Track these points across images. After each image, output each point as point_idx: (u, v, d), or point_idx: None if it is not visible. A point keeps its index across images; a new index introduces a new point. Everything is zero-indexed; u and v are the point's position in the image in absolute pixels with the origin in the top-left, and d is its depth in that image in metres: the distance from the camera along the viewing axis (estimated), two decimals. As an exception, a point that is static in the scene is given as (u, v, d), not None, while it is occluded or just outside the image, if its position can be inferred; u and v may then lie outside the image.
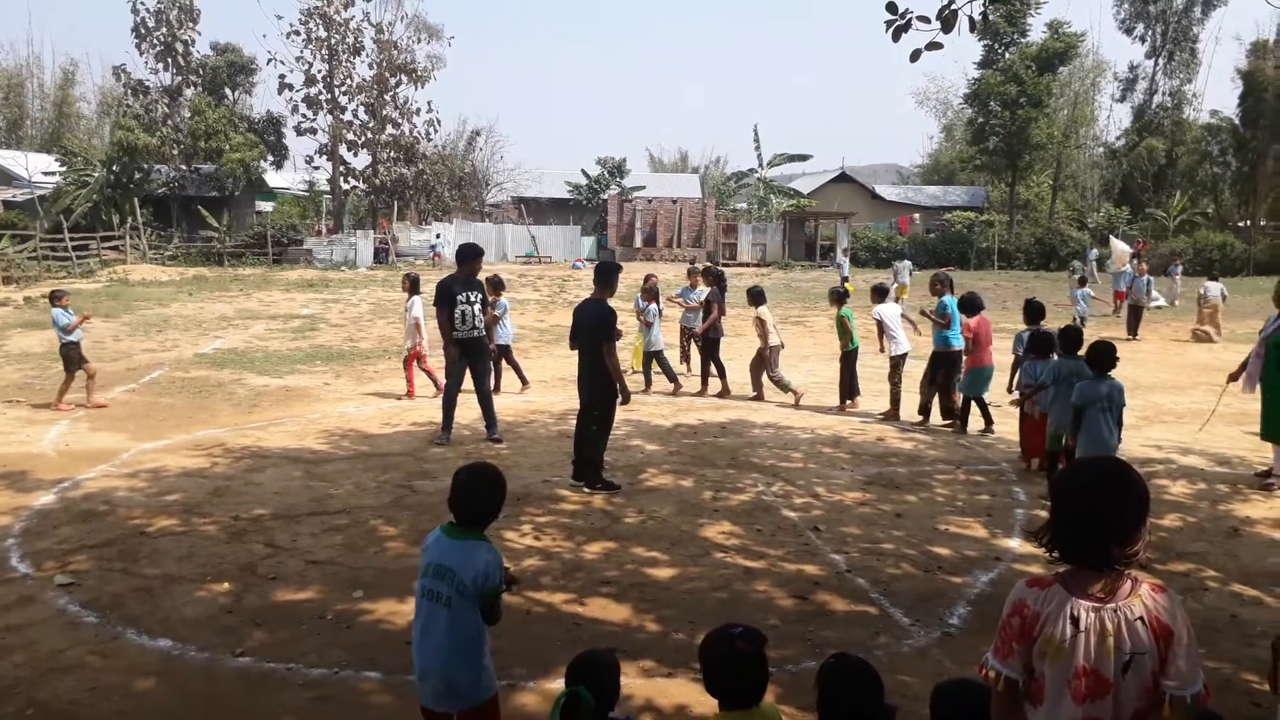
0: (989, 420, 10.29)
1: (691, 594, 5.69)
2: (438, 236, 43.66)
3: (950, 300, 10.61)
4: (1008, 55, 45.02)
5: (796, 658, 4.83)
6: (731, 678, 2.78)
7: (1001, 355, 12.00)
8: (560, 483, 8.12)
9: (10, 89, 56.40)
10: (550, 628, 5.19)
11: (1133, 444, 9.00)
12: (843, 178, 57.17)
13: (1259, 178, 47.52)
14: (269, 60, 44.96)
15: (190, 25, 43.00)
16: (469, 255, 9.82)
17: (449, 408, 9.72)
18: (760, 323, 12.04)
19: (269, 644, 4.98)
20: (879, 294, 11.92)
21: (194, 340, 17.49)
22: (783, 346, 12.52)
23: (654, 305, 12.93)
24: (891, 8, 5.87)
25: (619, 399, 8.14)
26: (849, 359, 11.66)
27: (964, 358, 10.32)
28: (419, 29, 47.15)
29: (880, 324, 11.24)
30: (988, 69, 45.27)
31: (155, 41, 42.42)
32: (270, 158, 47.62)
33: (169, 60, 43.01)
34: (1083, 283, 21.55)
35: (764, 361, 12.12)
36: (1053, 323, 10.37)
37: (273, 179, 49.43)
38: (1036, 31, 45.52)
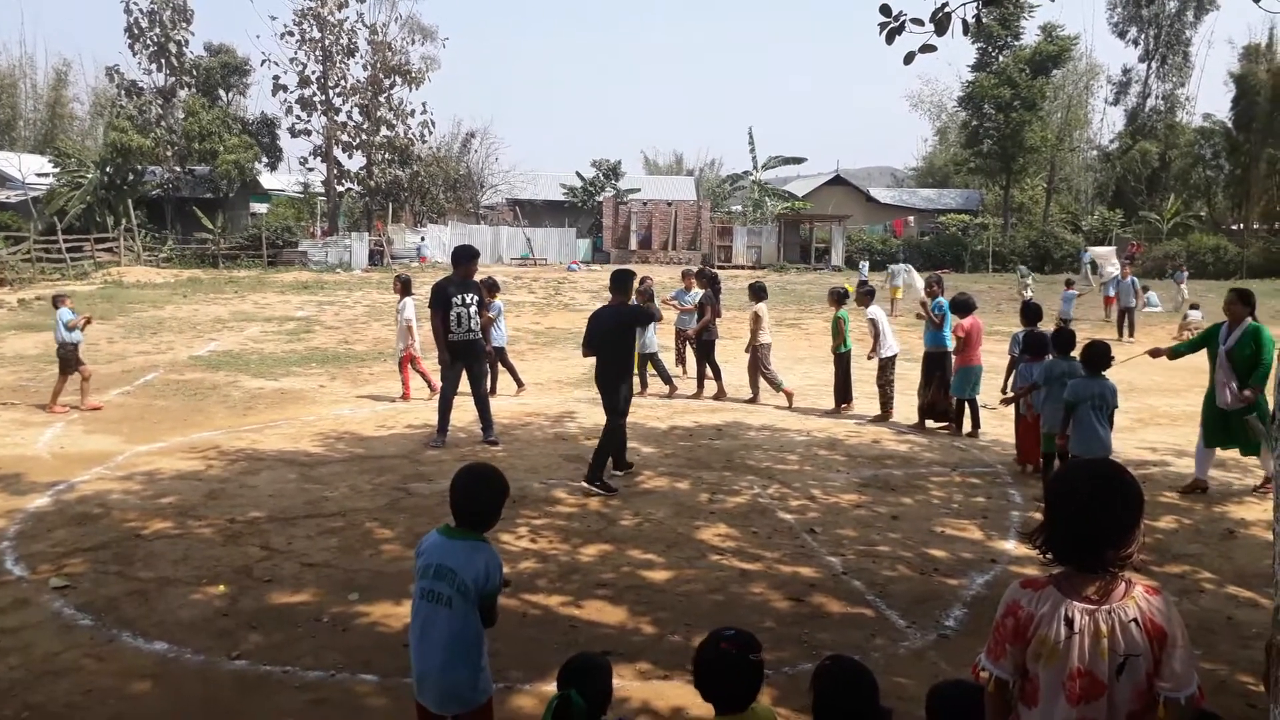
0: (976, 423, 10.31)
1: (687, 596, 5.69)
2: (422, 239, 43.66)
3: (944, 301, 10.64)
4: (1001, 58, 45.19)
5: (792, 660, 4.83)
6: (717, 679, 2.78)
7: (997, 358, 12.03)
8: (557, 485, 8.11)
9: (3, 90, 56.31)
10: (546, 630, 5.19)
11: (1127, 446, 9.02)
12: (837, 180, 57.26)
13: (1252, 181, 47.72)
14: (263, 61, 45.10)
15: (183, 26, 42.92)
16: (465, 257, 9.79)
17: (444, 410, 9.70)
18: (756, 318, 12.06)
19: (265, 647, 4.97)
20: (868, 296, 11.95)
21: (189, 343, 17.45)
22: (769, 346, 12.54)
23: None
24: (885, 10, 5.88)
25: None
26: (842, 361, 11.68)
27: (953, 358, 10.35)
28: (413, 30, 47.21)
29: (875, 325, 11.26)
30: (981, 72, 45.44)
31: (149, 42, 42.34)
32: (265, 159, 47.57)
33: (162, 61, 42.92)
34: (1069, 284, 21.60)
35: (758, 360, 12.14)
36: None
37: (267, 181, 49.36)
38: (1030, 35, 45.78)
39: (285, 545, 6.53)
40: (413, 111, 45.94)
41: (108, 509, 7.32)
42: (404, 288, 12.40)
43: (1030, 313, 9.65)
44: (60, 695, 4.43)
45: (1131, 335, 19.71)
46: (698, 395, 12.59)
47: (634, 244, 47.37)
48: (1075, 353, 7.85)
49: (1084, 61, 54.06)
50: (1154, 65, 54.19)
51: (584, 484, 7.96)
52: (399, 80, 45.45)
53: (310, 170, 46.49)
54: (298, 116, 44.11)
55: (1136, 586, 2.35)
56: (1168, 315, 24.05)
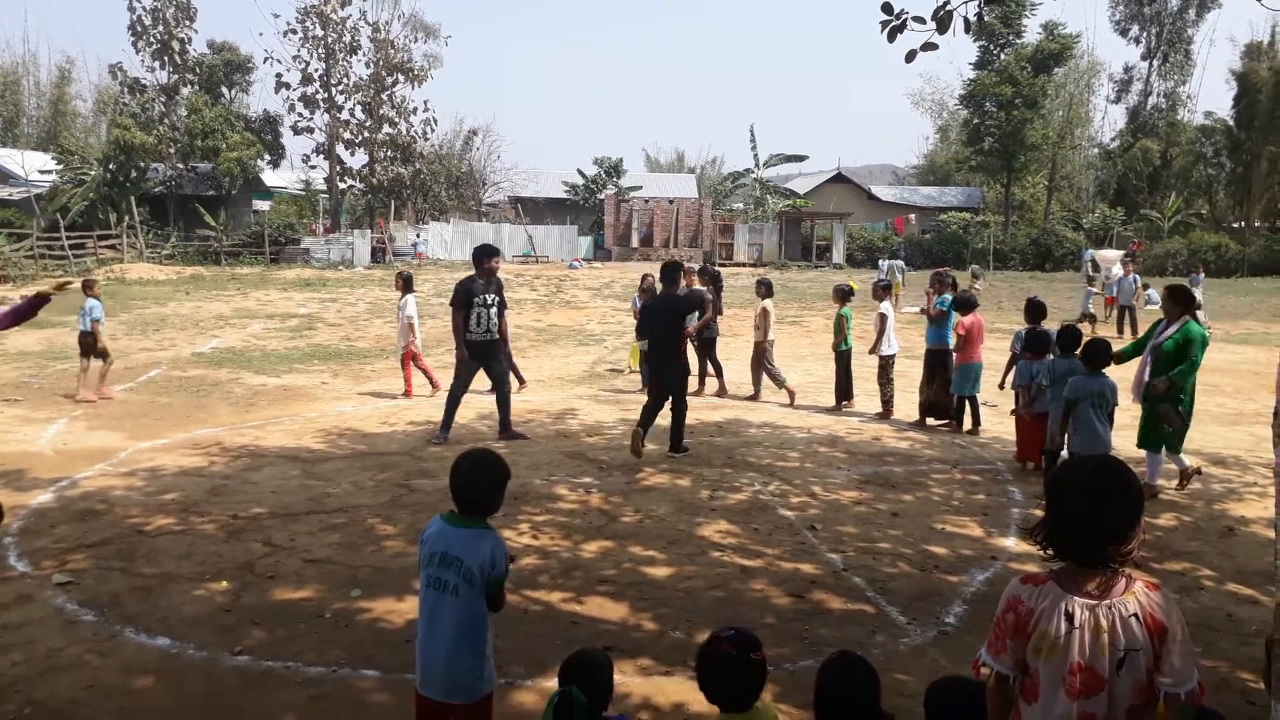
0: (976, 421, 10.32)
1: (688, 593, 5.71)
2: (418, 236, 43.66)
3: (947, 298, 10.64)
4: (1003, 56, 45.13)
5: (793, 656, 4.84)
6: (720, 680, 2.79)
7: (998, 355, 12.05)
8: (558, 481, 8.13)
9: (6, 87, 56.28)
10: (548, 626, 5.21)
11: (1127, 444, 9.01)
12: (838, 178, 57.25)
13: (1253, 179, 47.67)
14: (266, 59, 45.57)
15: (187, 23, 42.93)
16: (486, 255, 9.70)
17: (451, 408, 9.68)
18: (765, 314, 12.07)
19: (267, 642, 4.99)
20: (884, 290, 11.96)
21: (191, 339, 17.48)
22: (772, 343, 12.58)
23: (651, 305, 12.91)
24: (887, 8, 5.89)
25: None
26: (843, 359, 11.69)
27: (954, 355, 10.35)
28: (416, 28, 47.22)
29: (883, 321, 11.26)
30: (983, 70, 45.39)
31: (152, 40, 42.34)
32: (267, 157, 47.57)
33: (165, 59, 42.93)
34: (1090, 281, 21.60)
35: (762, 356, 12.16)
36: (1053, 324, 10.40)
37: (270, 178, 49.38)
38: (1032, 33, 45.71)
39: (288, 541, 6.55)
40: (415, 109, 45.96)
41: (110, 505, 7.34)
42: (406, 285, 12.42)
43: (1034, 310, 9.64)
44: (63, 691, 4.45)
45: (1134, 333, 19.70)
46: (699, 392, 12.59)
47: (635, 241, 47.35)
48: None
49: (1085, 59, 54.06)
50: (1156, 63, 54.13)
51: (670, 453, 9.05)
52: (401, 78, 45.44)
53: (313, 168, 46.52)
54: (300, 114, 44.15)
55: (1137, 582, 2.36)
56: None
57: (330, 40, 43.69)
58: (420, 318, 13.05)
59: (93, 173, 39.68)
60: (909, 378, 11.77)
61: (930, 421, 10.67)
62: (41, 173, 41.37)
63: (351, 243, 40.79)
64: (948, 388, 10.47)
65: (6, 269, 28.20)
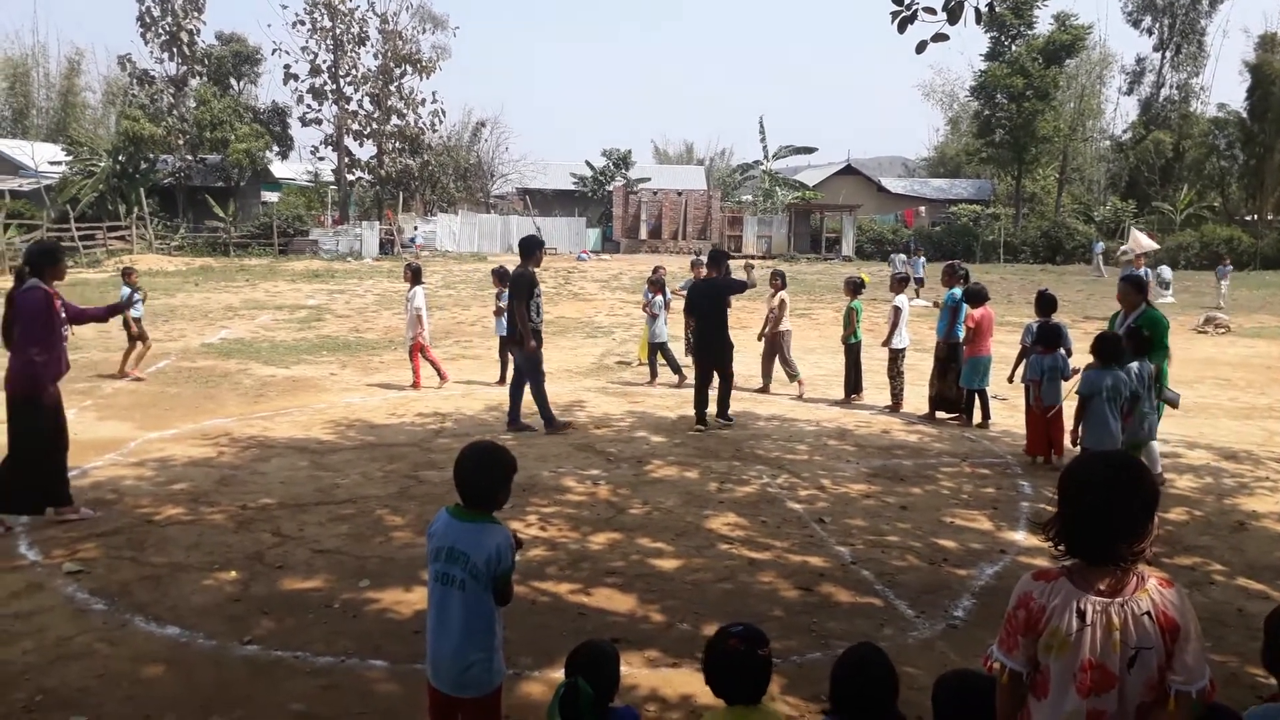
0: (986, 415, 10.29)
1: (696, 585, 5.70)
2: (415, 229, 43.71)
3: (957, 292, 10.59)
4: (1014, 47, 44.88)
5: (801, 649, 4.84)
6: (727, 675, 2.80)
7: (1007, 348, 12.00)
8: (566, 473, 8.13)
9: (16, 78, 56.41)
10: (556, 617, 5.21)
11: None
12: (848, 170, 57.09)
13: (1266, 171, 47.38)
14: (274, 50, 45.20)
15: (195, 15, 42.94)
16: (538, 245, 9.91)
17: (544, 401, 9.75)
18: (782, 305, 12.03)
19: (276, 632, 5.00)
20: (901, 283, 11.88)
21: (200, 330, 17.53)
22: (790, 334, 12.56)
23: (660, 297, 12.91)
24: (899, -1, 5.85)
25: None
26: (853, 352, 11.65)
27: (963, 349, 10.31)
28: (424, 19, 47.19)
29: (897, 314, 11.21)
30: (994, 61, 45.14)
31: (160, 31, 42.36)
32: (276, 148, 47.59)
33: (174, 50, 42.95)
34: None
35: (776, 349, 12.13)
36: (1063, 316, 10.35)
37: (278, 169, 49.42)
38: (1043, 24, 45.42)
39: (296, 532, 6.57)
40: (423, 100, 45.96)
41: (120, 495, 7.37)
42: (414, 276, 12.41)
43: (1044, 303, 9.59)
44: (73, 679, 4.47)
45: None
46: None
47: (644, 233, 47.30)
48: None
49: (1097, 51, 53.71)
50: (1168, 54, 53.76)
51: (719, 420, 9.91)
52: (410, 69, 45.43)
53: (321, 159, 46.56)
54: (309, 105, 44.19)
55: (1150, 579, 2.33)
56: (1181, 307, 23.88)
57: (338, 31, 43.69)
58: (429, 309, 13.06)
59: (102, 164, 39.78)
60: (919, 371, 11.72)
61: (940, 415, 10.63)
62: (51, 164, 41.48)
63: (360, 234, 40.84)
64: (958, 381, 10.43)
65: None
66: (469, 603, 3.24)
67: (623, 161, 53.21)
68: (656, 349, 12.91)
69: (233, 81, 48.89)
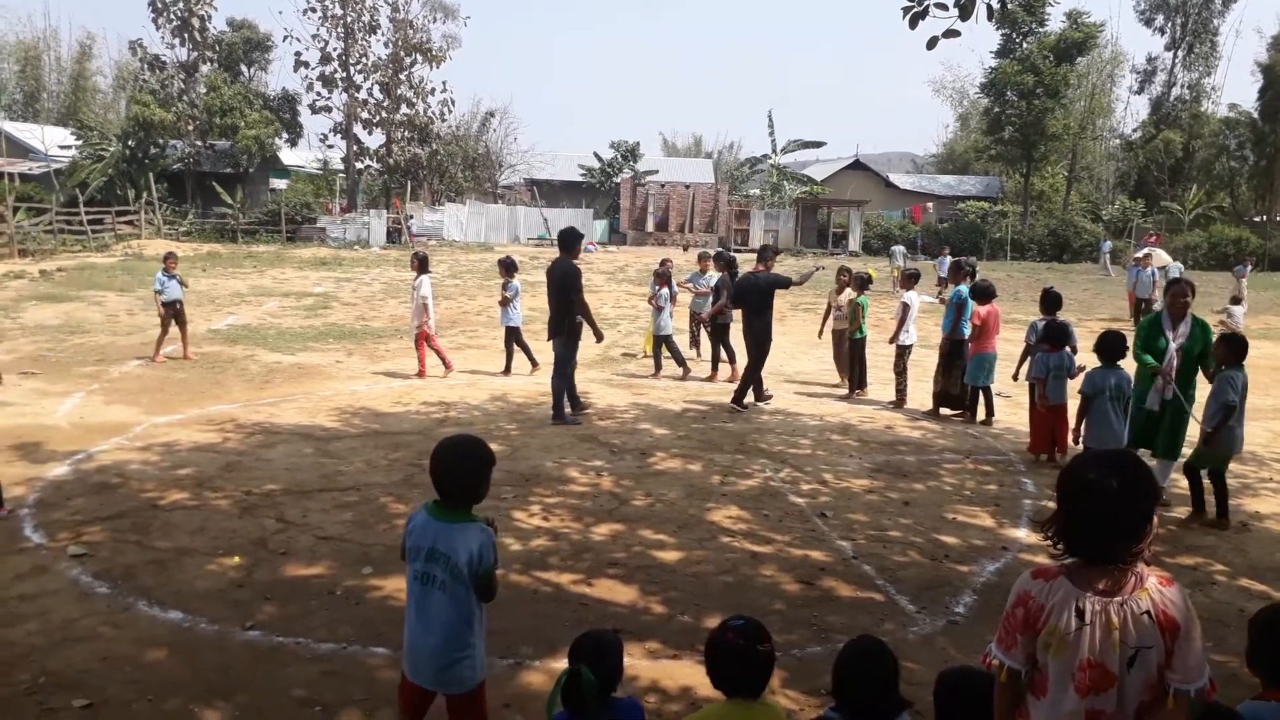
0: (990, 411, 10.28)
1: (698, 577, 5.72)
2: (410, 217, 43.69)
3: (963, 289, 10.57)
4: (1025, 45, 44.70)
5: (801, 643, 4.85)
6: (726, 668, 2.80)
7: (1013, 345, 11.98)
8: (570, 464, 8.14)
9: (27, 62, 56.52)
10: (557, 607, 5.23)
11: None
12: (856, 165, 56.92)
13: (1276, 172, 47.22)
14: (285, 37, 44.87)
15: (206, 1, 42.95)
16: (577, 238, 9.99)
17: (571, 388, 9.96)
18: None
19: (279, 618, 5.03)
20: (912, 280, 11.83)
21: (207, 316, 17.56)
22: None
23: (666, 290, 12.91)
24: (911, -6, 5.83)
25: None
26: (857, 347, 11.64)
27: (968, 345, 10.29)
28: (435, 8, 47.08)
29: (905, 310, 11.18)
30: (1005, 58, 44.97)
31: (172, 16, 42.37)
32: (285, 135, 47.63)
33: (185, 36, 42.97)
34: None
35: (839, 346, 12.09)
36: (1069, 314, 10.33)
37: (287, 157, 49.45)
38: (1055, 21, 45.25)
39: (300, 518, 6.59)
40: (433, 90, 45.91)
41: (126, 479, 7.40)
42: (421, 265, 12.41)
43: (1049, 301, 9.57)
44: (77, 661, 4.50)
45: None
46: (712, 378, 12.58)
47: (651, 226, 47.27)
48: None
49: (1109, 49, 53.49)
50: (1180, 54, 53.49)
51: (730, 405, 10.50)
52: (420, 58, 45.37)
53: (330, 147, 46.57)
54: (318, 93, 44.16)
55: (1150, 578, 2.33)
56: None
57: (349, 19, 43.65)
58: (435, 298, 13.07)
59: (112, 149, 39.84)
60: (924, 367, 11.71)
61: (944, 411, 10.62)
62: (61, 148, 41.57)
63: (368, 223, 40.85)
64: (962, 378, 10.42)
65: (26, 243, 28.36)
66: (450, 602, 3.18)
67: (631, 154, 53.12)
68: (661, 341, 12.91)
69: (243, 68, 48.94)
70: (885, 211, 50.41)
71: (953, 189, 56.12)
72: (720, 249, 19.81)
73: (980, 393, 10.29)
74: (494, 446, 8.91)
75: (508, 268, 12.71)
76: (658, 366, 12.93)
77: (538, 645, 4.73)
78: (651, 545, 6.23)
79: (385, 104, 45.01)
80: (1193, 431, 7.32)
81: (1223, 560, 6.26)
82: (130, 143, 39.79)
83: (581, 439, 9.09)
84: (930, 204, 52.21)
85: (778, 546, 6.28)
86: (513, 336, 12.58)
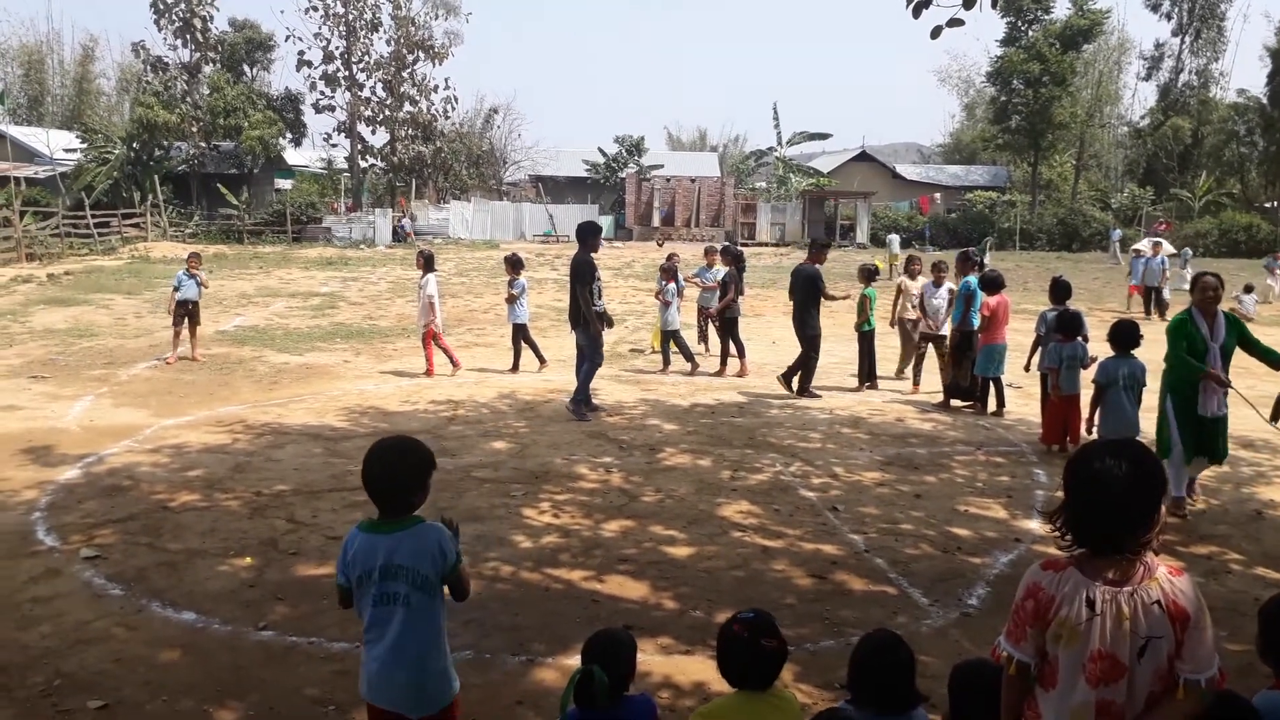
0: (1001, 402, 10.23)
1: (709, 572, 5.70)
2: (402, 214, 43.74)
3: (971, 280, 10.52)
4: (1031, 33, 44.46)
5: (814, 637, 4.83)
6: (730, 660, 2.80)
7: (1024, 336, 11.91)
8: (579, 460, 8.13)
9: (31, 65, 56.64)
10: (569, 604, 5.22)
11: (1154, 425, 8.91)
12: (863, 157, 56.77)
13: (1286, 158, 46.82)
14: (287, 37, 44.86)
15: (208, 1, 43.02)
16: (594, 232, 10.26)
17: (587, 386, 9.95)
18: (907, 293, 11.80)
19: (291, 618, 5.03)
20: (939, 271, 11.63)
21: (215, 317, 17.59)
22: None
23: (673, 285, 12.88)
24: (915, -17, 5.79)
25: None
26: (866, 340, 11.61)
27: (978, 336, 10.25)
28: (437, 5, 47.11)
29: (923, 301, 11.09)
30: (1010, 46, 44.74)
31: (174, 18, 42.46)
32: (289, 135, 47.70)
33: (187, 37, 43.06)
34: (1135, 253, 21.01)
35: (905, 336, 11.97)
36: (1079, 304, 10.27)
37: (291, 156, 49.51)
38: (1061, 8, 44.92)
39: (310, 518, 6.60)
40: (436, 87, 45.93)
41: (136, 481, 7.42)
42: (426, 263, 12.41)
43: (1058, 290, 9.53)
44: (91, 663, 4.51)
45: (1162, 316, 19.43)
46: (720, 373, 12.56)
47: (657, 220, 47.17)
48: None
49: (1115, 36, 53.21)
50: (1188, 39, 53.16)
51: (799, 394, 10.82)
52: (422, 55, 45.38)
53: (334, 146, 46.64)
54: (322, 92, 44.23)
55: (1160, 567, 2.31)
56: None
57: (351, 17, 43.68)
58: (441, 296, 13.07)
59: (117, 151, 39.94)
60: (932, 358, 11.65)
61: (955, 403, 10.58)
62: (66, 151, 41.66)
63: (373, 221, 40.90)
64: (972, 369, 10.37)
65: (33, 247, 28.46)
66: (417, 618, 2.98)
67: (636, 148, 53.03)
68: (669, 337, 12.88)
69: (246, 68, 48.96)
70: (893, 203, 50.24)
71: (960, 179, 55.92)
72: (727, 243, 19.77)
73: (991, 384, 10.25)
74: (502, 444, 8.91)
75: (514, 265, 12.70)
76: (666, 362, 12.91)
77: (550, 642, 4.73)
78: (662, 541, 6.22)
79: (389, 102, 45.04)
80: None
81: (1237, 549, 6.23)
82: (135, 145, 39.90)
83: (590, 435, 9.09)
84: (938, 194, 52.03)
85: (789, 541, 6.27)
86: (520, 334, 12.57)
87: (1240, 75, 76.46)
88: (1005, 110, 45.86)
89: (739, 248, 14.79)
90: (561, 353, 14.02)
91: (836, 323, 17.57)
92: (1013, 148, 48.77)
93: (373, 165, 46.47)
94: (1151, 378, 7.54)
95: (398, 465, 3.03)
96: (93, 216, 33.57)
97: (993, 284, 10.16)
